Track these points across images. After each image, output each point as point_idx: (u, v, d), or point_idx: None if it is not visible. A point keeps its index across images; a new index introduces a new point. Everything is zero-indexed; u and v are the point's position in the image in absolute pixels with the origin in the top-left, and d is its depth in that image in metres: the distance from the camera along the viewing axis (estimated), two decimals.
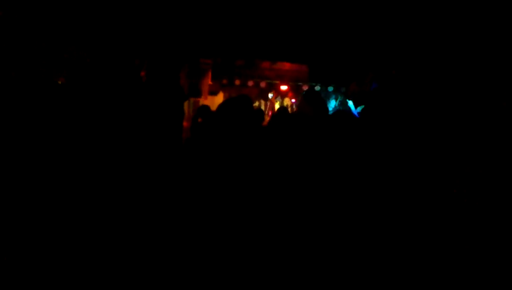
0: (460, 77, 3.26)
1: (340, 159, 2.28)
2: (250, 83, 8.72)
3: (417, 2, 4.37)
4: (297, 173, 2.28)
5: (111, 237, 2.42)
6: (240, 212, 2.19)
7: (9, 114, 2.88)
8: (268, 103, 9.62)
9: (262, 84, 9.01)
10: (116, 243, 2.38)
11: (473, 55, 3.42)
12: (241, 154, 2.31)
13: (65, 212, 2.54)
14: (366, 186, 2.24)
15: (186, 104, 5.34)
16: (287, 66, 9.00)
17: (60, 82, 4.08)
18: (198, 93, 6.78)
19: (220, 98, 8.17)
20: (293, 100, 9.47)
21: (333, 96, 8.77)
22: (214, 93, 8.37)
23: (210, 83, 8.08)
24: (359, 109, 3.87)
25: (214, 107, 4.42)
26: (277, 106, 9.40)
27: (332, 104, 8.61)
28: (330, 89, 8.67)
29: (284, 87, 9.04)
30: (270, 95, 9.52)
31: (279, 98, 9.56)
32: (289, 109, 8.44)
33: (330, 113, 2.96)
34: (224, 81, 8.46)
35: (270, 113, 8.92)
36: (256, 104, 9.41)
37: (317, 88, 8.58)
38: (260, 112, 4.87)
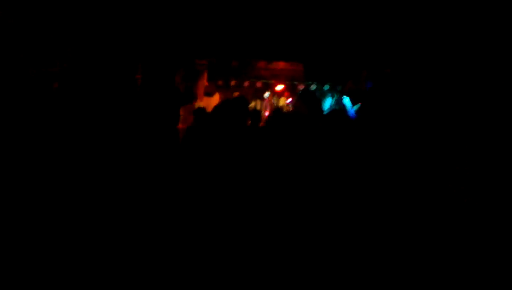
0: (456, 75, 3.25)
1: (336, 158, 2.28)
2: (246, 84, 8.72)
3: (411, 1, 4.37)
4: (293, 172, 2.27)
5: (109, 237, 2.41)
6: (237, 212, 2.19)
7: (5, 118, 2.87)
8: (264, 103, 9.62)
9: (258, 84, 9.02)
10: (114, 243, 2.37)
11: (468, 53, 3.42)
12: (237, 156, 2.31)
13: (63, 213, 2.53)
14: (363, 184, 2.24)
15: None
16: (282, 65, 9.00)
17: (54, 86, 4.06)
18: (193, 98, 6.77)
19: (215, 100, 8.16)
20: (289, 99, 9.47)
21: (329, 94, 8.76)
22: (209, 94, 8.36)
23: (206, 84, 8.08)
24: (356, 107, 3.87)
25: (209, 109, 4.40)
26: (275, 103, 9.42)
27: (328, 103, 8.61)
28: (326, 87, 8.67)
29: (279, 87, 9.04)
30: (266, 95, 9.52)
31: (275, 97, 9.57)
32: (284, 109, 8.44)
33: (326, 112, 2.96)
34: (220, 82, 8.45)
35: (266, 113, 8.91)
36: (253, 104, 9.40)
37: (313, 87, 8.58)
38: (256, 113, 4.86)
